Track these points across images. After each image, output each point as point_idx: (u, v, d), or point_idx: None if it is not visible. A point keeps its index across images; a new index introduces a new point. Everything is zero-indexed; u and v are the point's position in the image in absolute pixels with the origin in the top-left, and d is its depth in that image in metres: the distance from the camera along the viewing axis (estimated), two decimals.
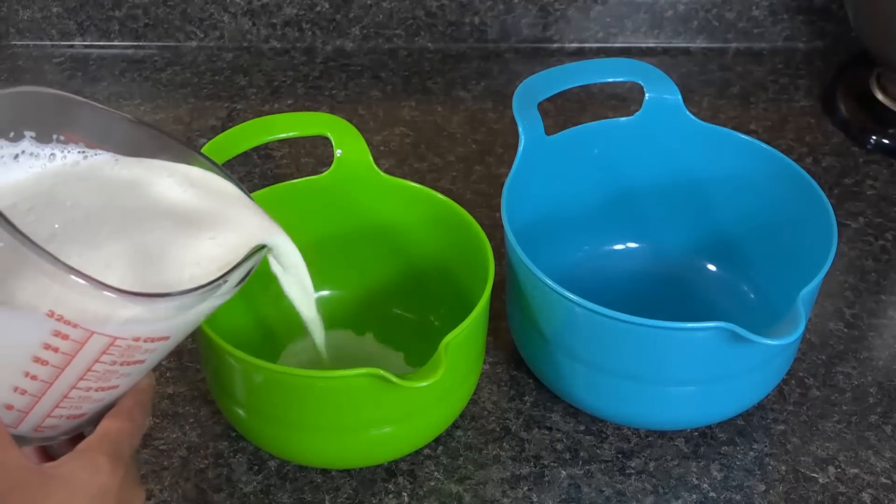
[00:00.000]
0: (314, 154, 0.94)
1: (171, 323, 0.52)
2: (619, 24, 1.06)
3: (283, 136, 0.74)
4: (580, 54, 1.06)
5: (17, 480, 0.48)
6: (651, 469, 0.70)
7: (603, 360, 0.66)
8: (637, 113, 0.77)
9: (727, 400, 0.69)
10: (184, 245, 0.54)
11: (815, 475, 0.70)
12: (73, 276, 0.46)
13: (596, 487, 0.69)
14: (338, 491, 0.69)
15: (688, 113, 0.76)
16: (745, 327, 0.61)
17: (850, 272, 0.84)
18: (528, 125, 0.74)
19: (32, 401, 0.52)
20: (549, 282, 0.65)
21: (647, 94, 0.76)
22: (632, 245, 0.83)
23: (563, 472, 0.70)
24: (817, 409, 0.74)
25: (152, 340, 0.52)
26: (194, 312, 0.53)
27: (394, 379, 0.59)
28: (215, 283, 0.51)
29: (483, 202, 0.89)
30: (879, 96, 0.99)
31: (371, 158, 0.74)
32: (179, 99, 1.01)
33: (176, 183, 0.57)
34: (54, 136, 0.54)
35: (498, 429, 0.73)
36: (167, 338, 0.53)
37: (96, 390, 0.53)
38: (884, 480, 0.70)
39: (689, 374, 0.66)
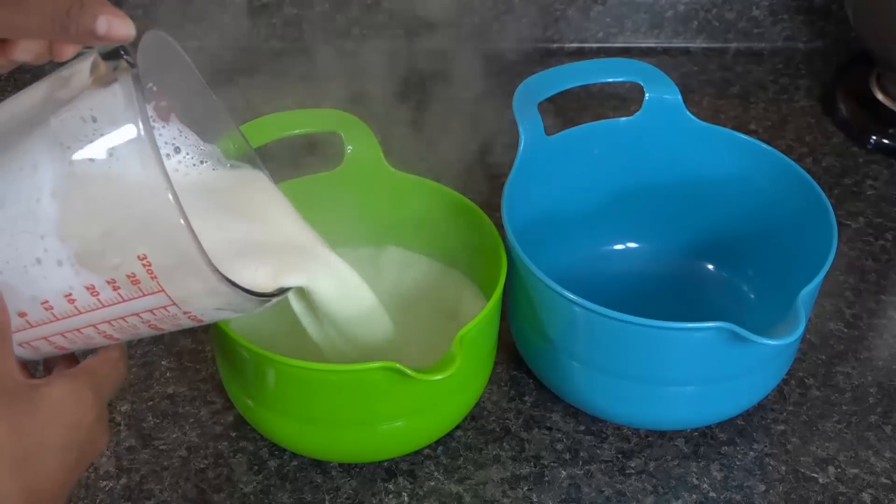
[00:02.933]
0: (314, 153, 0.94)
1: (217, 312, 0.54)
2: (619, 24, 1.06)
3: (293, 132, 0.74)
4: (580, 54, 1.06)
5: (7, 389, 0.49)
6: (651, 469, 0.70)
7: (603, 360, 0.66)
8: (637, 113, 0.77)
9: (727, 400, 0.69)
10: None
11: (815, 475, 0.70)
12: (196, 247, 0.48)
13: (596, 487, 0.69)
14: (338, 491, 0.69)
15: (688, 113, 0.76)
16: (745, 327, 0.61)
17: (850, 272, 0.84)
18: (528, 125, 0.74)
19: (48, 319, 0.52)
20: (549, 281, 0.65)
21: (647, 94, 0.76)
22: (631, 245, 0.83)
23: (563, 472, 0.70)
24: (817, 409, 0.74)
25: (192, 319, 0.53)
26: (234, 313, 0.55)
27: (409, 372, 0.59)
28: (276, 297, 0.55)
29: (483, 202, 0.89)
30: (879, 96, 0.99)
31: (382, 154, 0.74)
32: None
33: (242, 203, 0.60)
34: (148, 84, 0.54)
35: (498, 429, 0.73)
36: (201, 321, 0.54)
37: (104, 336, 0.54)
38: (884, 480, 0.70)
39: (689, 374, 0.66)
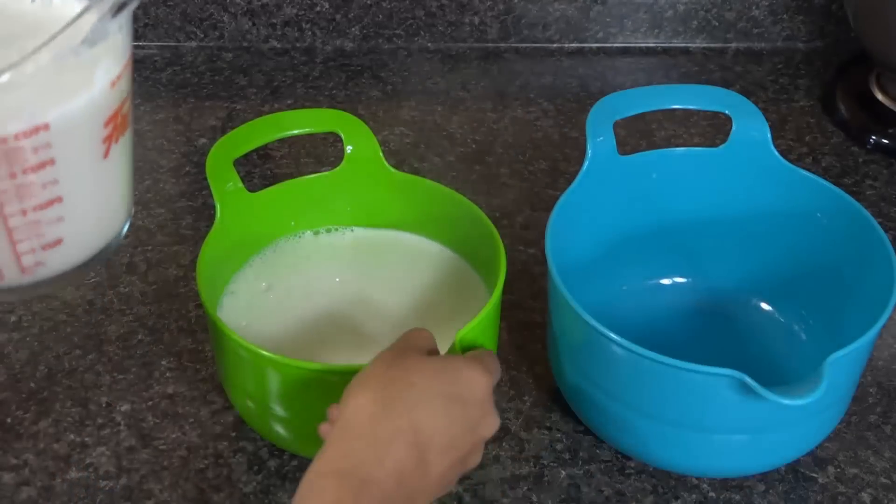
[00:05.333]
0: (314, 154, 0.94)
1: (19, 114, 0.52)
2: (619, 24, 1.07)
3: (293, 132, 0.74)
4: (580, 54, 1.06)
5: None
6: (650, 469, 0.70)
7: (626, 396, 0.64)
8: (722, 145, 0.73)
9: (744, 454, 0.65)
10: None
11: (814, 475, 0.70)
12: None
13: (595, 487, 0.69)
14: None
15: (774, 151, 0.72)
16: (796, 370, 0.57)
17: None
18: (598, 144, 0.70)
19: None
20: (581, 311, 0.62)
21: (734, 126, 0.72)
22: (680, 280, 0.79)
23: (563, 472, 0.70)
24: None
25: (27, 135, 0.52)
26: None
27: None
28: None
29: (483, 202, 0.89)
30: (879, 96, 0.99)
31: (381, 154, 0.74)
32: (179, 99, 1.01)
33: None
34: None
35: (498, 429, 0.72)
36: (45, 126, 0.52)
37: (35, 209, 0.54)
38: (883, 480, 0.70)
39: (696, 418, 0.63)
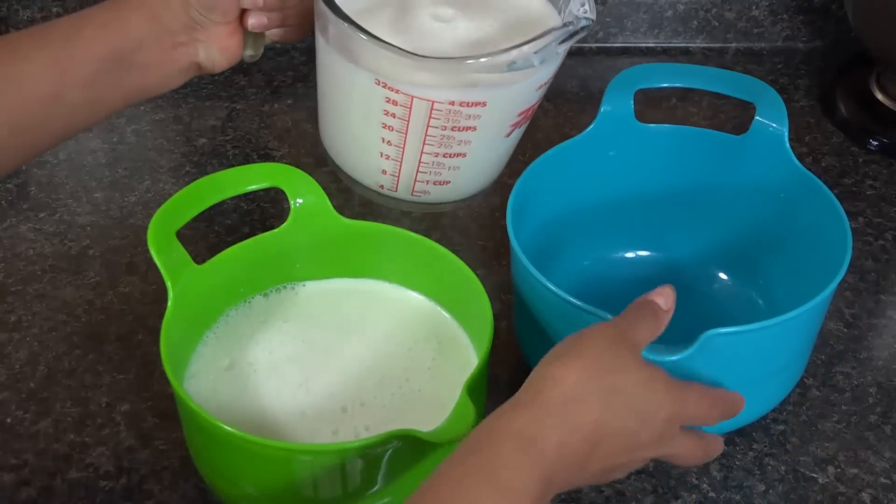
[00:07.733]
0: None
1: (470, 90, 0.69)
2: (619, 24, 1.06)
3: (232, 194, 0.69)
4: (580, 54, 1.06)
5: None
6: (651, 469, 0.70)
7: None
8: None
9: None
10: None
11: (814, 475, 0.70)
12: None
13: (595, 487, 0.69)
14: None
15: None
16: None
17: (849, 272, 0.84)
18: (610, 108, 0.74)
19: (395, 165, 0.73)
20: (548, 283, 0.64)
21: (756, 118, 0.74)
22: (643, 253, 0.81)
23: None
24: (817, 409, 0.74)
25: (468, 105, 0.69)
26: (485, 81, 0.69)
27: (423, 436, 0.56)
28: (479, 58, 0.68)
29: (483, 202, 0.89)
30: (879, 96, 0.99)
31: (329, 204, 0.71)
32: (179, 99, 1.01)
33: None
34: None
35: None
36: (483, 103, 0.69)
37: (444, 156, 0.72)
38: (883, 480, 0.70)
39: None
